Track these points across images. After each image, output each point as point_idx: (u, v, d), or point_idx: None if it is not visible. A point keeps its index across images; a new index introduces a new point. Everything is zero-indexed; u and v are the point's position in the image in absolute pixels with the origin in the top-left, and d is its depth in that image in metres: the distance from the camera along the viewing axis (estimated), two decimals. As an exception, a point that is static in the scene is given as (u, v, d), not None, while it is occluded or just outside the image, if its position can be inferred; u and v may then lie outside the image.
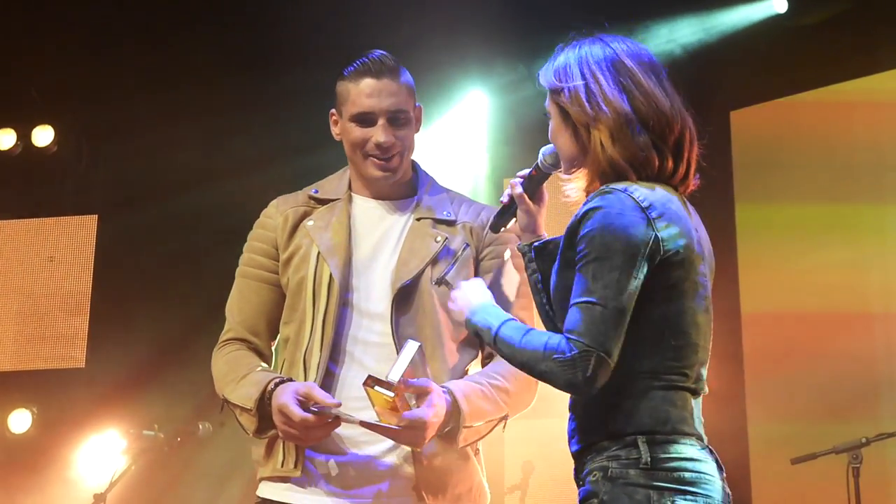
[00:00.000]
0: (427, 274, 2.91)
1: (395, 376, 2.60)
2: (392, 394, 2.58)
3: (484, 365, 3.00)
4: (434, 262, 2.92)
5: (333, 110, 3.05)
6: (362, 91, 2.94)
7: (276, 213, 3.05)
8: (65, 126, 6.76)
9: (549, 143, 2.57)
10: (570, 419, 2.44)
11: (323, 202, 3.05)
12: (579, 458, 2.40)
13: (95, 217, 6.71)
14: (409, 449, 2.80)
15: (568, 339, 2.27)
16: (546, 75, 2.51)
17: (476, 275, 2.97)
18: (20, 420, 6.42)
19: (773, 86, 6.08)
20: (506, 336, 2.38)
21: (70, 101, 6.77)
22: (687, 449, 2.32)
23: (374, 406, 2.64)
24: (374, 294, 2.91)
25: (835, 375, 5.72)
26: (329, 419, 2.71)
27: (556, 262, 2.42)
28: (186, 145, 6.53)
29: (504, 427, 2.92)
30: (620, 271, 2.28)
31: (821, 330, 5.80)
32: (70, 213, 6.77)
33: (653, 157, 2.40)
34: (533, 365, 2.32)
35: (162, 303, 6.35)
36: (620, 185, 2.36)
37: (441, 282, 2.91)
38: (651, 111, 2.40)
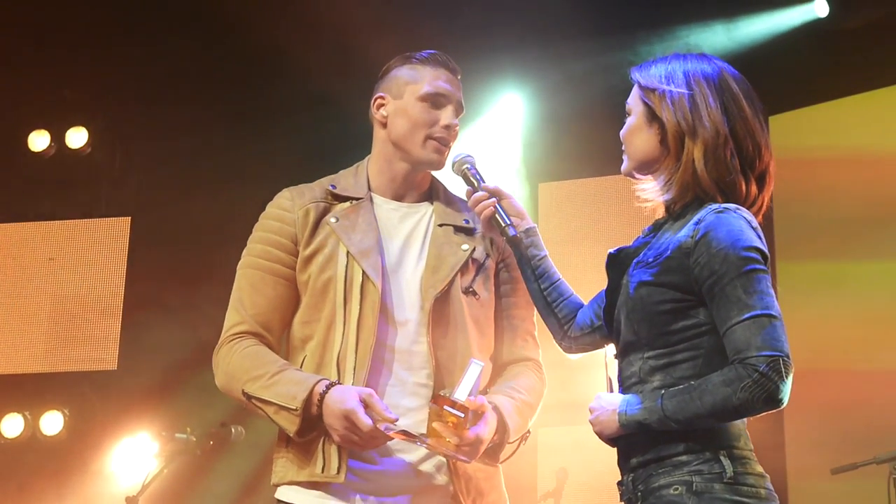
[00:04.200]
0: (457, 283, 2.89)
1: (462, 396, 2.62)
2: (462, 414, 2.61)
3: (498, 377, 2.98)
4: (462, 270, 2.90)
5: (381, 93, 3.01)
6: (440, 76, 2.98)
7: (294, 207, 2.97)
8: (98, 128, 6.77)
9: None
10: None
11: (342, 198, 2.99)
12: (641, 469, 2.39)
13: (128, 219, 6.72)
14: (442, 458, 2.79)
15: (743, 361, 2.25)
16: (645, 73, 2.52)
17: (495, 284, 2.97)
18: (52, 422, 6.43)
19: (813, 90, 6.02)
20: (674, 404, 2.32)
21: (104, 103, 6.78)
22: (757, 466, 2.35)
23: (431, 422, 2.63)
24: (405, 300, 2.87)
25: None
26: (393, 431, 2.68)
27: (642, 273, 2.41)
28: (219, 148, 6.53)
29: (525, 443, 2.92)
30: (765, 281, 2.31)
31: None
32: (103, 216, 6.77)
33: (740, 182, 2.42)
34: (724, 407, 2.27)
35: (194, 305, 6.32)
36: (731, 206, 2.38)
37: (468, 291, 2.89)
38: (748, 137, 2.43)
